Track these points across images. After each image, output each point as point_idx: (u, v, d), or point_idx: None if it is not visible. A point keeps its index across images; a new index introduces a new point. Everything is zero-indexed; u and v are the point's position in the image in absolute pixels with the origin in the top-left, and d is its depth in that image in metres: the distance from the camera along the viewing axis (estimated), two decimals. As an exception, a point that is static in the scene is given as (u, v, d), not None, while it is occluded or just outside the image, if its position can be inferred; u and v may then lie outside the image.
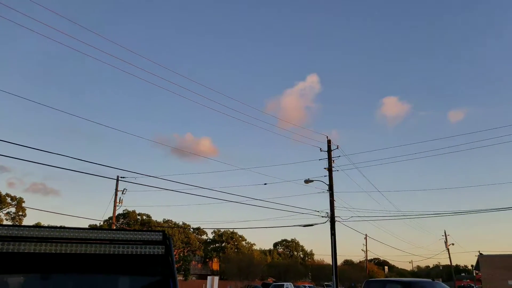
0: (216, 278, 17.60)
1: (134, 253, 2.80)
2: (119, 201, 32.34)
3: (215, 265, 61.04)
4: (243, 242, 64.28)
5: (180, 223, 54.90)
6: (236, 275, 39.30)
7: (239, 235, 63.48)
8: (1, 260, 2.58)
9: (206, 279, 18.56)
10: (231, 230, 62.07)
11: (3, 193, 46.84)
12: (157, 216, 68.98)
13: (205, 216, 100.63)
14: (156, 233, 3.04)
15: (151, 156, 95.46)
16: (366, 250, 62.43)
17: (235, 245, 61.63)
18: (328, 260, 58.29)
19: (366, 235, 60.89)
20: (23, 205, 47.53)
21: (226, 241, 61.62)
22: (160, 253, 2.88)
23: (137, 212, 53.39)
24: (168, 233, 3.14)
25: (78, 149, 79.63)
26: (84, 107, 77.75)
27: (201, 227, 60.69)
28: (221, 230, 62.13)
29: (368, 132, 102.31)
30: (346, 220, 30.06)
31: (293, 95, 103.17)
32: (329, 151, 25.26)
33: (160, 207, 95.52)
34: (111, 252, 2.74)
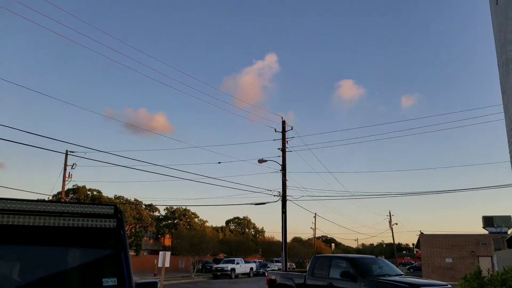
0: (168, 253, 17.68)
1: (85, 226, 2.86)
2: (68, 175, 31.29)
3: (167, 241, 60.96)
4: (196, 219, 64.44)
5: (132, 199, 53.99)
6: (188, 250, 39.51)
7: (191, 212, 63.52)
8: None
9: (158, 254, 18.61)
10: (184, 207, 62.03)
11: None
12: (108, 192, 67.26)
13: (158, 193, 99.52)
14: (108, 206, 3.11)
15: (103, 131, 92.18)
16: (315, 228, 64.96)
17: (188, 222, 61.70)
18: (278, 237, 59.99)
19: (315, 213, 63.19)
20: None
21: (178, 218, 61.47)
22: (111, 226, 2.96)
23: (88, 187, 51.80)
24: (119, 208, 3.22)
25: (25, 121, 75.25)
26: (32, 78, 73.11)
27: (154, 204, 60.11)
28: (173, 207, 61.90)
29: (323, 114, 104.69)
30: (297, 199, 31.03)
31: (251, 74, 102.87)
32: (284, 132, 25.76)
33: (111, 183, 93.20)
34: (61, 225, 2.78)
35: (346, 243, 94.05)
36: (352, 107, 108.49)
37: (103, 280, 2.94)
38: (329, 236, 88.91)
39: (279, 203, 24.51)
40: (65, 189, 32.93)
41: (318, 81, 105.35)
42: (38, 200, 2.93)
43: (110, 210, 3.07)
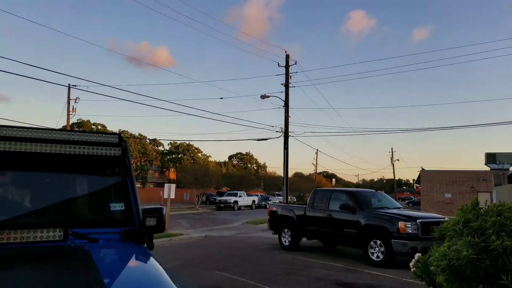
0: (173, 186, 18.21)
1: (91, 154, 2.89)
2: (72, 109, 31.38)
3: (172, 175, 62.68)
4: (199, 154, 65.65)
5: (136, 134, 54.61)
6: (192, 183, 40.77)
7: (195, 147, 64.55)
8: None
9: (163, 186, 19.17)
10: (187, 142, 62.90)
11: None
12: (113, 126, 67.72)
13: (162, 128, 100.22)
14: (112, 135, 3.12)
15: (106, 65, 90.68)
16: (316, 163, 66.15)
17: (191, 156, 62.92)
18: (280, 172, 61.25)
19: (317, 150, 64.00)
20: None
21: (182, 152, 62.61)
22: (117, 154, 2.99)
23: (92, 121, 52.20)
24: (123, 137, 3.24)
25: (27, 54, 73.71)
26: (34, 10, 70.40)
27: (158, 139, 60.98)
28: (177, 142, 62.76)
29: (330, 48, 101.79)
30: (300, 135, 31.29)
31: (257, 4, 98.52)
32: (287, 66, 25.24)
33: (115, 117, 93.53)
34: (68, 152, 2.81)
35: (347, 178, 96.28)
36: (361, 41, 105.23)
37: (111, 205, 3.03)
38: (330, 171, 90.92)
39: (281, 139, 24.76)
40: (70, 123, 33.18)
41: (327, 12, 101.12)
42: (46, 128, 2.93)
43: (115, 139, 3.09)
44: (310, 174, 74.17)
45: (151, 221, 2.88)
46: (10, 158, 2.71)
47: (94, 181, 3.18)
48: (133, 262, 2.51)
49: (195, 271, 8.77)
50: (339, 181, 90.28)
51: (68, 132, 2.96)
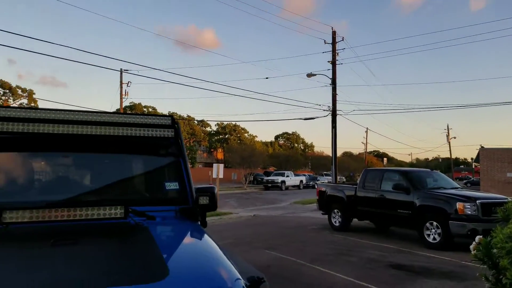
0: (221, 166, 18.57)
1: (146, 135, 2.94)
2: (125, 93, 32.64)
3: (220, 155, 63.97)
4: (246, 134, 66.31)
5: (185, 115, 55.96)
6: (239, 163, 41.37)
7: (241, 128, 65.21)
8: (19, 140, 2.73)
9: (212, 166, 19.58)
10: (234, 123, 63.62)
11: (13, 85, 47.04)
12: (162, 109, 69.84)
13: (209, 109, 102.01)
14: (165, 117, 3.16)
15: (155, 49, 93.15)
16: (366, 142, 64.51)
17: (238, 136, 63.70)
18: (328, 152, 60.36)
19: (367, 128, 62.28)
20: (34, 97, 48.05)
21: (229, 133, 63.53)
22: (170, 135, 3.03)
23: (143, 104, 54.12)
24: (175, 119, 3.25)
25: (83, 42, 77.38)
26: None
27: (205, 120, 62.27)
28: (224, 122, 63.67)
29: (379, 23, 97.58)
30: (348, 113, 30.51)
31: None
32: (334, 43, 24.50)
33: (165, 99, 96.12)
34: (125, 134, 2.88)
35: (399, 158, 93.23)
36: (412, 14, 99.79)
37: (166, 184, 3.11)
38: (381, 151, 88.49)
39: (329, 118, 24.26)
40: (123, 106, 34.56)
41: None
42: (105, 112, 3.03)
43: (168, 121, 3.13)
44: (359, 154, 72.60)
45: (204, 200, 2.92)
46: (73, 140, 2.82)
47: (149, 162, 3.27)
48: (189, 238, 2.56)
49: (244, 249, 8.90)
50: (391, 160, 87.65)
51: (125, 115, 3.04)
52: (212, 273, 1.94)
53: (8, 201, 2.49)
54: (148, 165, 3.26)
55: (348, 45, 56.53)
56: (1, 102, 44.00)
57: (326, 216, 12.94)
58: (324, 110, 24.76)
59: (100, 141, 2.90)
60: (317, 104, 26.12)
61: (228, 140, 61.53)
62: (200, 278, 1.87)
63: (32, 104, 44.35)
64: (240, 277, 1.89)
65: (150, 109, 53.59)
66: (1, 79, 46.87)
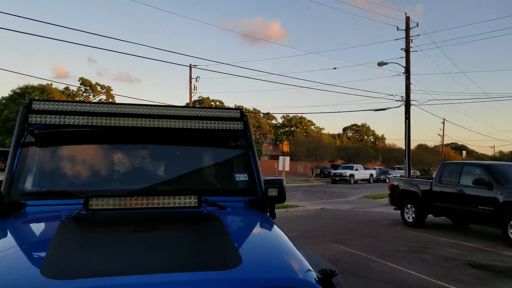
0: (287, 158, 18.60)
1: (216, 128, 3.02)
2: (194, 88, 33.93)
3: (285, 147, 64.04)
4: (312, 127, 65.70)
5: (251, 108, 56.81)
6: (305, 156, 41.04)
7: (307, 120, 64.70)
8: (102, 133, 2.94)
9: (277, 159, 19.67)
10: (300, 115, 63.25)
11: (93, 82, 51.31)
12: (229, 102, 71.52)
13: (275, 102, 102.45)
14: (234, 110, 3.21)
15: (221, 44, 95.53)
16: (443, 134, 60.67)
17: (304, 129, 63.29)
18: (400, 144, 57.72)
19: (444, 119, 58.52)
20: (112, 93, 51.97)
21: (295, 125, 63.36)
22: (239, 128, 3.08)
23: (211, 98, 55.91)
24: (244, 111, 3.30)
25: (155, 39, 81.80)
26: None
27: (271, 112, 62.63)
28: (290, 115, 63.57)
29: (459, 5, 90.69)
30: (423, 103, 28.91)
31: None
32: (407, 29, 23.25)
33: (231, 93, 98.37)
34: (196, 127, 2.98)
35: (480, 150, 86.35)
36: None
37: (236, 175, 3.18)
38: (459, 143, 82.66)
39: (402, 109, 23.12)
40: (192, 101, 35.95)
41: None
42: (178, 106, 3.17)
43: (237, 114, 3.18)
44: (435, 146, 68.36)
45: (273, 192, 2.94)
46: (150, 133, 2.99)
47: (220, 154, 3.37)
48: (259, 228, 2.60)
49: (312, 242, 8.83)
50: (471, 153, 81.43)
51: (197, 109, 3.14)
52: (283, 263, 1.95)
53: (93, 189, 2.70)
54: (218, 157, 3.36)
55: (423, 31, 53.38)
56: (83, 98, 48.03)
57: (399, 212, 12.42)
58: (396, 100, 23.67)
59: (174, 134, 3.05)
60: (389, 94, 25.07)
61: (294, 132, 61.37)
62: (272, 267, 1.89)
63: (110, 100, 47.82)
64: (312, 269, 1.87)
65: (217, 103, 55.19)
66: (83, 77, 51.33)
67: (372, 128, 75.98)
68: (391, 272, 6.63)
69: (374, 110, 26.30)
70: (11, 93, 47.39)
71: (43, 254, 1.78)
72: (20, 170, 2.71)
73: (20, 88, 46.88)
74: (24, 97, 43.57)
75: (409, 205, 11.91)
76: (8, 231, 2.24)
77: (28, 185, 2.73)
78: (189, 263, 1.80)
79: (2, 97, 48.91)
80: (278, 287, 1.66)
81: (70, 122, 2.74)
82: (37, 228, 2.43)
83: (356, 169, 40.21)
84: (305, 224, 11.99)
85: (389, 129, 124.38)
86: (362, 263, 7.14)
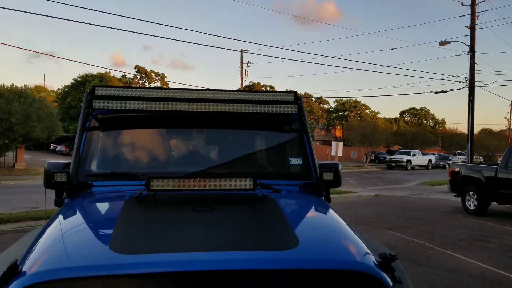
0: (340, 143, 18.31)
1: (270, 112, 3.04)
2: (245, 73, 34.12)
3: (338, 133, 62.75)
4: (367, 111, 63.64)
5: (303, 93, 56.05)
6: (359, 141, 39.92)
7: (362, 104, 62.74)
8: (160, 117, 3.07)
9: (330, 145, 19.39)
10: (354, 99, 61.46)
11: (148, 69, 53.36)
12: (280, 87, 71.21)
13: (327, 85, 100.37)
14: (288, 93, 3.20)
15: (273, 27, 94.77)
16: (510, 118, 56.33)
17: (358, 113, 61.51)
18: (462, 129, 54.47)
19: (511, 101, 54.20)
20: (165, 80, 53.76)
21: (349, 109, 61.74)
22: (293, 111, 3.07)
23: (262, 83, 55.90)
24: (298, 94, 3.27)
25: (207, 25, 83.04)
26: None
27: (323, 97, 61.44)
28: (343, 99, 62.01)
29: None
30: (488, 85, 26.98)
31: None
32: (473, 5, 21.70)
33: (282, 78, 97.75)
34: (251, 111, 3.02)
35: (550, 135, 79.04)
36: None
37: (290, 159, 3.19)
38: (528, 127, 76.23)
39: (465, 91, 21.75)
40: (243, 86, 36.20)
41: None
42: (233, 90, 3.22)
43: (291, 97, 3.17)
44: (501, 131, 63.69)
45: (328, 176, 2.91)
46: (206, 117, 3.08)
47: (274, 137, 3.40)
48: (314, 211, 2.62)
49: (366, 229, 8.68)
50: (541, 138, 74.94)
51: (251, 93, 3.18)
52: (341, 246, 1.95)
53: (153, 171, 2.85)
54: (272, 140, 3.39)
55: (490, 6, 49.36)
56: (139, 85, 50.03)
57: (459, 199, 11.85)
58: (459, 81, 22.29)
59: (230, 118, 3.12)
60: (451, 76, 23.62)
61: (348, 117, 59.86)
62: (329, 249, 1.89)
63: (164, 87, 49.52)
64: (370, 252, 1.86)
65: (268, 88, 55.11)
66: (138, 65, 53.41)
67: (431, 111, 72.20)
68: (450, 260, 6.38)
69: (435, 93, 24.97)
70: (73, 81, 50.40)
71: (110, 230, 1.90)
72: (86, 153, 2.90)
73: (81, 77, 49.68)
74: (85, 85, 46.15)
75: (471, 192, 11.31)
76: (77, 209, 2.42)
77: (94, 167, 2.93)
78: (247, 242, 1.86)
79: (65, 85, 52.25)
80: (336, 269, 1.66)
81: (131, 107, 2.89)
82: (103, 207, 2.60)
83: (414, 155, 38.60)
84: (359, 210, 11.79)
85: (450, 113, 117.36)
86: (420, 251, 6.93)
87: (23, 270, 1.57)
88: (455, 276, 5.58)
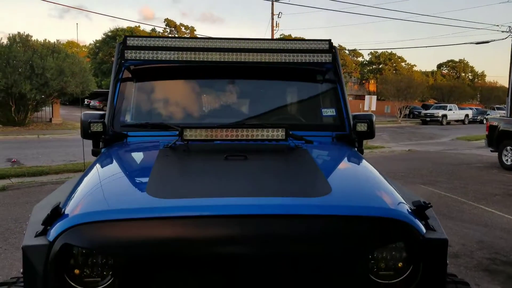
0: (374, 97, 17.77)
1: (303, 61, 2.96)
2: (276, 25, 33.17)
3: (372, 87, 60.95)
4: (402, 64, 61.15)
5: (336, 45, 54.10)
6: (393, 96, 38.67)
7: (398, 57, 60.20)
8: (192, 68, 3.06)
9: (363, 99, 18.91)
10: (389, 51, 58.97)
11: (178, 23, 52.89)
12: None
13: (362, 37, 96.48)
14: (323, 41, 3.08)
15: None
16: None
17: (393, 66, 59.23)
18: (502, 82, 51.69)
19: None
20: (195, 33, 53.22)
21: (383, 62, 59.48)
22: (327, 61, 2.98)
23: (293, 36, 54.34)
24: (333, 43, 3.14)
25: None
26: None
27: (357, 49, 59.26)
28: (378, 51, 59.64)
29: None
30: (536, 34, 25.04)
31: None
32: None
33: (314, 29, 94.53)
34: (281, 60, 2.95)
35: None
36: None
37: (322, 110, 3.14)
38: None
39: (508, 41, 20.41)
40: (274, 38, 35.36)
41: None
42: (263, 39, 3.11)
43: (325, 45, 3.06)
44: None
45: (362, 127, 2.87)
46: (238, 67, 3.04)
47: (307, 88, 3.33)
48: (347, 161, 2.61)
49: (399, 183, 8.61)
50: None
51: (284, 41, 3.07)
52: (373, 194, 1.95)
53: (186, 122, 2.88)
54: (306, 91, 3.33)
55: None
56: None
57: (495, 154, 11.51)
58: (502, 31, 20.89)
59: (262, 68, 3.06)
60: (494, 25, 22.09)
61: (382, 70, 57.78)
62: (362, 196, 1.90)
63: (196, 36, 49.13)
64: (404, 200, 1.84)
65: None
66: (168, 18, 52.86)
67: (471, 64, 68.55)
68: (483, 214, 6.29)
69: (476, 43, 23.62)
70: (104, 36, 50.67)
71: (147, 177, 1.96)
72: (120, 104, 2.95)
73: (112, 31, 49.77)
74: (115, 39, 46.32)
75: (508, 147, 10.96)
76: (114, 158, 2.50)
77: (128, 118, 2.99)
78: (280, 189, 1.89)
79: (97, 40, 52.66)
80: (369, 215, 1.66)
81: (162, 57, 2.88)
82: (139, 155, 2.69)
83: (450, 109, 37.20)
84: (391, 165, 11.66)
85: (490, 66, 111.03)
86: (452, 205, 6.86)
87: (66, 212, 1.66)
88: (488, 230, 5.53)
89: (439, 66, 69.10)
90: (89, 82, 23.57)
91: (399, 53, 61.25)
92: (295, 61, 2.95)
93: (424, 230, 1.67)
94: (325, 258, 1.63)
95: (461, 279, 2.11)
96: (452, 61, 68.17)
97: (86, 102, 42.53)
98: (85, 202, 1.78)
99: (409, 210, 1.74)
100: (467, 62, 67.68)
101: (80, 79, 21.89)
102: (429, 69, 67.19)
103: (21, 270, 1.60)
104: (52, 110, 23.89)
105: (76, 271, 1.60)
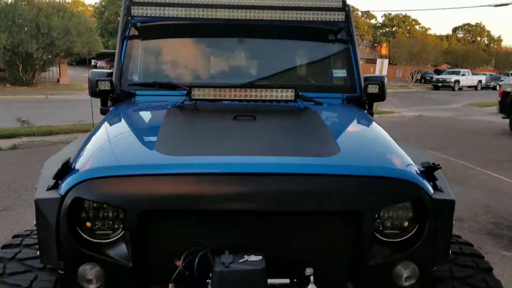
0: (386, 61, 17.37)
1: (314, 19, 2.87)
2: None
3: (384, 50, 59.52)
4: (416, 27, 59.42)
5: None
6: (406, 60, 37.73)
7: (412, 19, 58.41)
8: (200, 26, 2.98)
9: (374, 63, 18.52)
10: (404, 13, 57.14)
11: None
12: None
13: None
14: (336, -1, 2.96)
15: None
16: None
17: (407, 29, 57.58)
18: (520, 46, 50.00)
19: None
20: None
21: (397, 25, 57.83)
22: (340, 19, 2.89)
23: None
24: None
25: None
26: None
27: (370, 11, 57.52)
28: (392, 13, 57.81)
29: None
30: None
31: None
32: None
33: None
34: (292, 18, 2.86)
35: None
36: None
37: (333, 71, 3.08)
38: None
39: (530, 3, 19.55)
40: None
41: None
42: None
43: (339, 3, 2.95)
44: None
45: (373, 89, 2.83)
46: (247, 26, 2.95)
47: (318, 48, 3.24)
48: (357, 122, 2.58)
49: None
50: None
51: None
52: (382, 154, 1.95)
53: (194, 82, 2.85)
54: (316, 51, 3.24)
55: None
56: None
57: (507, 121, 11.35)
58: (523, -8, 19.97)
59: (272, 26, 2.97)
60: (514, -14, 21.13)
61: (396, 33, 56.26)
62: (370, 157, 1.89)
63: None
64: (412, 161, 1.84)
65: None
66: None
67: (487, 28, 66.39)
68: (490, 180, 6.30)
69: (494, 6, 22.67)
70: (110, -5, 49.46)
71: (155, 135, 1.97)
72: (127, 63, 2.91)
73: (118, -11, 48.68)
74: (121, -2, 45.26)
75: (521, 114, 10.76)
76: (122, 116, 2.49)
77: (136, 77, 2.96)
78: (288, 148, 1.89)
79: (102, -1, 51.52)
80: (377, 175, 1.66)
81: (169, 14, 2.81)
82: (147, 114, 2.68)
83: (463, 75, 36.38)
84: (400, 130, 11.58)
85: (509, 30, 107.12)
86: (460, 170, 6.86)
87: (76, 167, 1.68)
88: (494, 195, 5.55)
89: (455, 29, 67.01)
90: (96, 42, 23.26)
91: (413, 15, 59.48)
92: (307, 19, 2.87)
93: (431, 190, 1.68)
94: (332, 216, 1.65)
95: (465, 240, 2.14)
96: (468, 24, 65.99)
97: (93, 62, 42.24)
98: (95, 158, 1.80)
99: (418, 171, 1.74)
100: (483, 26, 65.50)
101: (87, 39, 21.59)
102: (444, 33, 65.33)
103: (35, 223, 1.65)
104: (60, 70, 23.78)
105: (88, 224, 1.65)
